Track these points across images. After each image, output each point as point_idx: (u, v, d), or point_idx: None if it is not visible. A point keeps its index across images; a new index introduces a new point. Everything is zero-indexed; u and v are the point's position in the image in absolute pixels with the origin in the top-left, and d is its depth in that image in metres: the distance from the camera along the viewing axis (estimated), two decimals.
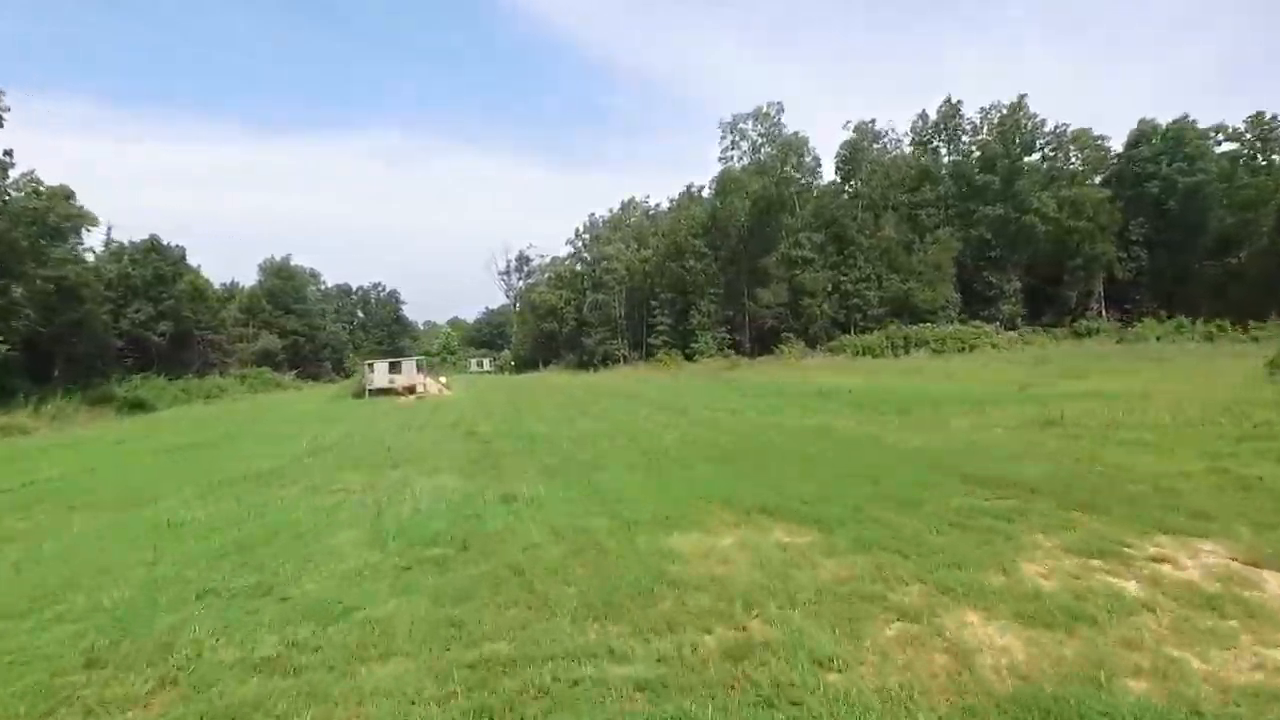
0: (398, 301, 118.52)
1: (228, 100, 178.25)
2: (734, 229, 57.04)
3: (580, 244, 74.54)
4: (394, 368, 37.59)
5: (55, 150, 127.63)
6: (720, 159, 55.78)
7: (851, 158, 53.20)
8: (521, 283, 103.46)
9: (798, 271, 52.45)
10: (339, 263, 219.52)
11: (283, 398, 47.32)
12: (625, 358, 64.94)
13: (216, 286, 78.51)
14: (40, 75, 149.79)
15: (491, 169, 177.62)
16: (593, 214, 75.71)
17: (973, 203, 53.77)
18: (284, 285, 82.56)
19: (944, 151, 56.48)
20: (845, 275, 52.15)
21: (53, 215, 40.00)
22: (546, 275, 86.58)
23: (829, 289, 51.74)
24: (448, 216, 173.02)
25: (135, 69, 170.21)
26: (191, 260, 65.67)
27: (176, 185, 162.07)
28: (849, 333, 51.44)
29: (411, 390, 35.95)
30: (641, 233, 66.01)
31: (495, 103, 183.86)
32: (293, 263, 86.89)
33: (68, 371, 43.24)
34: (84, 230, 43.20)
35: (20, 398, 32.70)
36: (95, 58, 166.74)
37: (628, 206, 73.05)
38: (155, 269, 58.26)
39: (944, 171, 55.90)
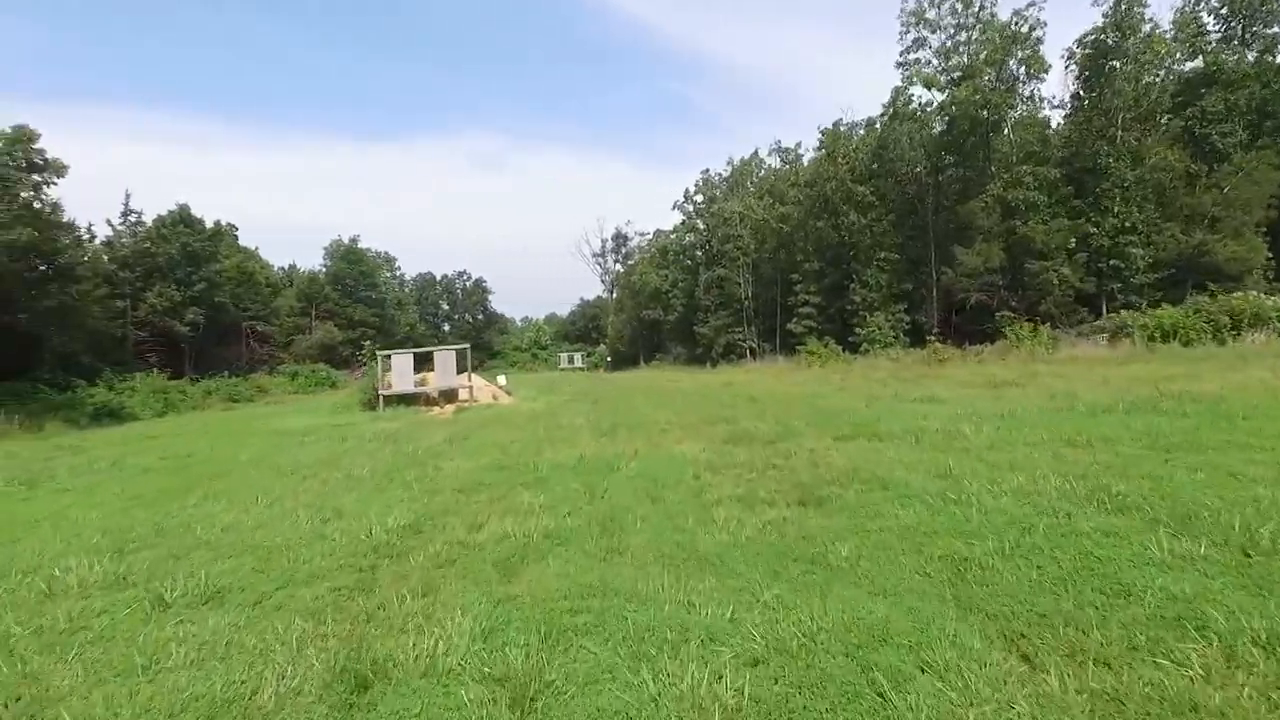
0: (485, 291, 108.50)
1: (331, 111, 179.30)
2: (917, 165, 41.02)
3: (691, 208, 59.88)
4: (422, 363, 24.47)
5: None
6: (898, 65, 39.04)
7: (1098, 53, 35.97)
8: (619, 266, 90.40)
9: (1019, 222, 36.04)
10: (437, 267, 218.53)
11: (296, 406, 35.71)
12: (753, 350, 50.16)
13: (276, 271, 69.89)
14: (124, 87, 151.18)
15: (593, 170, 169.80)
16: (706, 170, 60.91)
17: None
18: (351, 270, 72.78)
19: (1235, 43, 38.15)
20: (1095, 226, 35.25)
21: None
22: (649, 254, 72.63)
23: (1070, 246, 35.07)
24: (550, 217, 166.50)
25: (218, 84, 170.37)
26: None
27: (277, 189, 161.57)
28: (1103, 311, 34.67)
29: (451, 397, 22.65)
30: (776, 185, 50.64)
31: (590, 103, 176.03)
32: (361, 245, 77.38)
33: (42, 369, 33.26)
34: (52, 183, 32.77)
35: None
36: (185, 69, 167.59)
37: (751, 161, 57.88)
38: (184, 245, 48.64)
39: (1219, 71, 36.83)
